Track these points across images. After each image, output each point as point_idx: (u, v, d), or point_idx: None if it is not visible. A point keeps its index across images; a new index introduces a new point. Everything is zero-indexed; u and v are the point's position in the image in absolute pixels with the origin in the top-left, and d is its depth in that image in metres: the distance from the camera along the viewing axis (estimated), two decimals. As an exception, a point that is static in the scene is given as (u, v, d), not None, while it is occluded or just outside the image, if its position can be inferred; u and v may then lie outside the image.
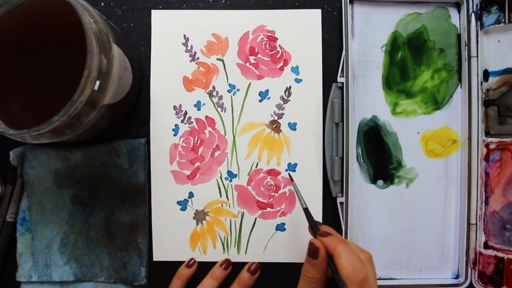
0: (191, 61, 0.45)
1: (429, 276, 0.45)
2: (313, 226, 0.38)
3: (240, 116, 0.45)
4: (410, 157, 0.45)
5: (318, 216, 0.45)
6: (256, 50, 0.45)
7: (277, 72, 0.45)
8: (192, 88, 0.45)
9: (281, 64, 0.45)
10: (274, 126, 0.45)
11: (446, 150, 0.46)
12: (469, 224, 0.44)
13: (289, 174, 0.45)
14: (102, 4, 0.45)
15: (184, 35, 0.45)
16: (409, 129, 0.45)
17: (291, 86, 0.45)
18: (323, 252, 0.34)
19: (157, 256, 0.45)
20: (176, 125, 0.45)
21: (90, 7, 0.34)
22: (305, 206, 0.40)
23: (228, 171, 0.45)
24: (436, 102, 0.46)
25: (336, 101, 0.44)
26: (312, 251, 0.34)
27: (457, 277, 0.45)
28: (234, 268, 0.45)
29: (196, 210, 0.45)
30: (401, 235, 0.45)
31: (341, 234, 0.43)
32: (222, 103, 0.45)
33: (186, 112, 0.45)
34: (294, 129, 0.45)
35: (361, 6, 0.45)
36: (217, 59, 0.45)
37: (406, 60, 0.45)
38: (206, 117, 0.45)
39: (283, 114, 0.45)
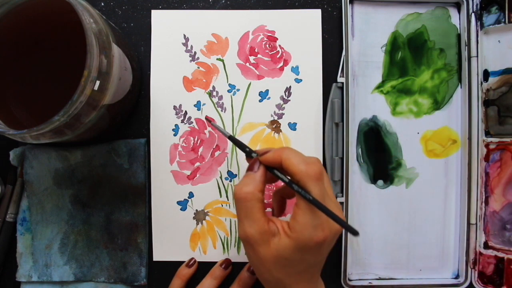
0: (191, 61, 0.45)
1: (429, 276, 0.45)
2: (246, 151, 0.35)
3: (240, 116, 0.45)
4: (410, 157, 0.45)
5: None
6: (256, 50, 0.45)
7: (277, 72, 0.45)
8: (192, 88, 0.45)
9: (281, 64, 0.45)
10: (274, 126, 0.45)
11: (446, 150, 0.46)
12: (469, 224, 0.44)
13: (206, 117, 0.44)
14: (102, 4, 0.45)
15: (184, 35, 0.45)
16: (409, 129, 0.45)
17: (291, 86, 0.45)
18: (262, 163, 0.32)
19: (157, 256, 0.45)
20: (176, 125, 0.45)
21: (90, 7, 0.34)
22: (228, 135, 0.37)
23: (228, 171, 0.45)
24: (436, 102, 0.46)
25: (336, 101, 0.44)
26: (251, 164, 0.33)
27: (457, 277, 0.45)
28: (234, 268, 0.45)
29: (196, 210, 0.45)
30: (401, 235, 0.45)
31: (342, 234, 0.44)
32: (222, 103, 0.45)
33: (186, 112, 0.45)
34: (294, 129, 0.45)
35: (361, 6, 0.45)
36: (217, 59, 0.45)
37: (406, 60, 0.45)
38: (206, 117, 0.45)
39: (283, 114, 0.45)
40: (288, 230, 0.31)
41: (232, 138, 0.37)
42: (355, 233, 0.28)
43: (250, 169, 0.33)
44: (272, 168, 0.33)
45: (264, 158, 0.33)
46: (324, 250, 0.32)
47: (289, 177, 0.32)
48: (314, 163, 0.31)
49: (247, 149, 0.35)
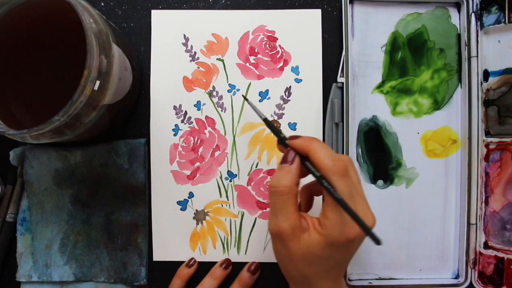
0: (191, 61, 0.45)
1: (429, 276, 0.45)
2: (280, 137, 0.35)
3: (240, 116, 0.45)
4: (410, 157, 0.45)
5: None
6: (256, 50, 0.45)
7: (277, 72, 0.45)
8: (192, 88, 0.45)
9: (281, 64, 0.45)
10: (274, 126, 0.45)
11: (446, 150, 0.46)
12: (469, 224, 0.44)
13: (242, 96, 0.44)
14: (102, 4, 0.45)
15: (184, 35, 0.45)
16: (409, 129, 0.45)
17: (291, 86, 0.45)
18: (297, 153, 0.32)
19: (157, 256, 0.45)
20: (176, 125, 0.45)
21: (90, 7, 0.34)
22: (264, 117, 0.36)
23: (228, 171, 0.45)
24: (436, 102, 0.46)
25: (336, 101, 0.44)
26: (285, 156, 0.32)
27: (457, 277, 0.45)
28: (234, 268, 0.45)
29: (196, 210, 0.45)
30: (401, 235, 0.45)
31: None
32: (222, 103, 0.45)
33: (186, 112, 0.45)
34: (294, 129, 0.45)
35: (361, 6, 0.45)
36: (217, 59, 0.45)
37: (406, 60, 0.45)
38: (206, 117, 0.45)
39: (283, 114, 0.45)
40: (318, 227, 0.31)
41: (266, 121, 0.36)
42: (377, 242, 0.27)
43: (283, 161, 0.32)
44: (305, 160, 0.32)
45: (292, 143, 0.32)
46: (354, 247, 0.32)
47: (319, 172, 0.31)
48: (341, 160, 0.30)
49: (282, 135, 0.34)
